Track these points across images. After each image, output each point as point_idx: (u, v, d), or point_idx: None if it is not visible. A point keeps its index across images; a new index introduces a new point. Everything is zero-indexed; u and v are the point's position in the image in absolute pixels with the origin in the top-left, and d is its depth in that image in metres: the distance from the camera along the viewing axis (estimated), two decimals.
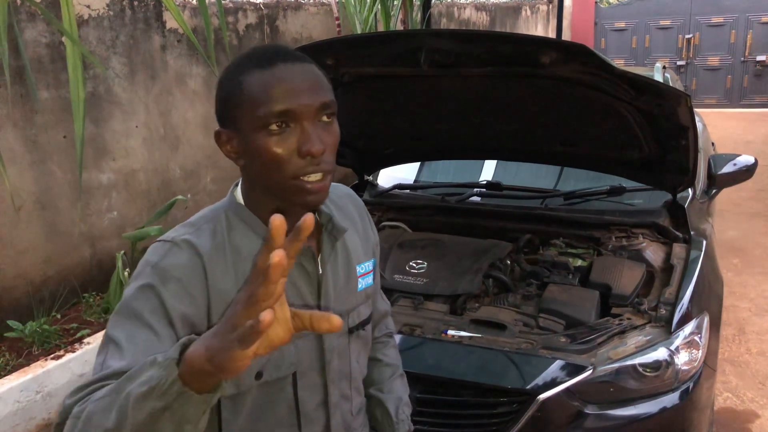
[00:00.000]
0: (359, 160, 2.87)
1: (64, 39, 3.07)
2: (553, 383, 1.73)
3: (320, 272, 1.01)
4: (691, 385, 1.81)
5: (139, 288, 0.89)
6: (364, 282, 1.10)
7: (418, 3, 5.79)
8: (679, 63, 10.89)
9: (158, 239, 0.96)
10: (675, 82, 3.92)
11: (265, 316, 0.58)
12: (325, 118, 0.90)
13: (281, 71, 0.88)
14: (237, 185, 1.01)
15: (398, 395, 1.26)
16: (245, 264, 0.95)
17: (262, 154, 0.88)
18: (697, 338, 1.87)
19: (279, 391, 0.99)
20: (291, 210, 0.93)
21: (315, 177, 0.89)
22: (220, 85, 0.93)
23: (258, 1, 4.78)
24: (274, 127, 0.87)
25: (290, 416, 1.01)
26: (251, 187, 0.98)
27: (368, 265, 1.12)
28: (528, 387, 1.73)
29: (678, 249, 2.25)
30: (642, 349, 1.80)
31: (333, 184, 1.11)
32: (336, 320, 0.65)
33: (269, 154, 0.87)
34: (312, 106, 0.88)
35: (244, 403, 0.97)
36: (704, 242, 2.28)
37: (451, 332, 1.91)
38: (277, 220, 0.60)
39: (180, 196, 3.83)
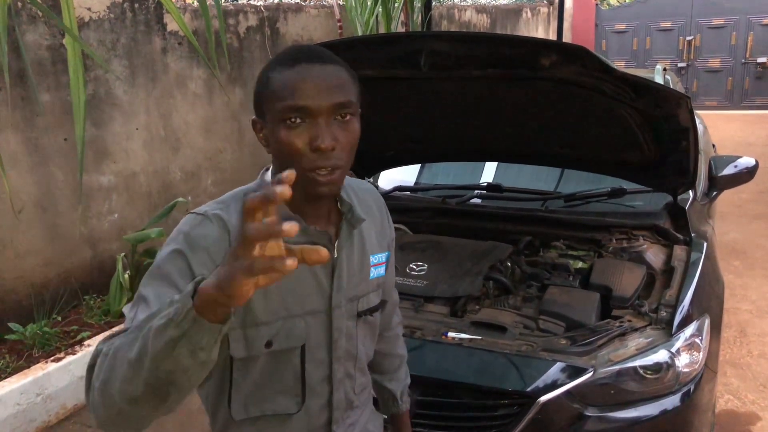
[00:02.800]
0: (360, 162, 2.87)
1: (64, 41, 3.08)
2: (554, 385, 1.73)
3: (335, 256, 1.08)
4: (692, 387, 1.81)
5: (170, 252, 0.97)
6: (376, 272, 1.17)
7: (419, 5, 5.79)
8: (680, 65, 10.90)
9: (191, 211, 1.03)
10: (676, 84, 3.92)
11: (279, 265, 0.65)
12: (341, 117, 0.97)
13: (302, 70, 0.95)
14: (268, 170, 1.09)
15: (403, 382, 1.41)
16: None
17: (280, 145, 0.96)
18: (697, 340, 1.86)
19: (287, 361, 1.06)
20: (310, 196, 1.01)
21: (325, 171, 0.96)
22: (257, 79, 1.02)
23: (259, 4, 4.79)
24: (291, 121, 0.94)
25: (295, 386, 1.08)
26: (277, 174, 1.04)
27: (381, 257, 1.19)
28: (528, 389, 1.73)
29: (679, 251, 2.25)
30: (642, 351, 1.79)
31: (357, 180, 1.23)
32: (324, 252, 0.69)
33: (285, 145, 0.95)
34: (326, 104, 0.94)
35: (254, 367, 1.05)
36: (705, 244, 2.28)
37: (451, 334, 1.91)
38: (285, 177, 0.65)
39: (180, 199, 3.83)
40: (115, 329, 0.89)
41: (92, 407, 0.84)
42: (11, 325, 3.03)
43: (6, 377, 2.70)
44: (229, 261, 0.70)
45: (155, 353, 0.75)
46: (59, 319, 3.25)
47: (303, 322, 1.06)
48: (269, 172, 1.09)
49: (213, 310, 0.73)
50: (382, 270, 1.20)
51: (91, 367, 0.86)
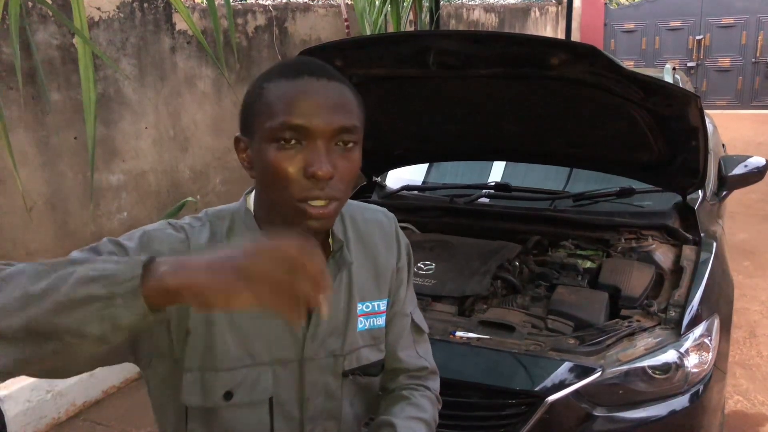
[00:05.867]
0: (368, 161, 2.86)
1: (75, 41, 3.10)
2: (562, 385, 1.72)
3: None
4: (701, 387, 1.80)
5: (118, 243, 0.86)
6: (368, 322, 1.00)
7: (428, 4, 5.79)
8: (689, 64, 10.83)
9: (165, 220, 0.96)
10: (685, 83, 3.90)
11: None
12: (343, 144, 0.85)
13: (304, 84, 0.83)
14: (252, 191, 0.98)
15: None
16: None
17: (268, 168, 0.84)
18: (707, 340, 1.86)
19: (254, 417, 0.93)
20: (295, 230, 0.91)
21: (319, 202, 0.83)
22: (247, 91, 0.90)
23: (267, 3, 4.80)
24: (285, 140, 0.82)
25: None
26: (261, 202, 0.95)
27: (380, 305, 1.01)
28: (536, 389, 1.73)
29: (688, 251, 2.24)
30: (651, 352, 1.79)
31: (373, 207, 1.08)
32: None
33: (274, 168, 0.83)
34: (328, 127, 0.82)
35: (214, 420, 0.92)
36: (714, 244, 2.27)
37: (459, 334, 1.91)
38: None
39: (190, 198, 3.85)
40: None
41: None
42: None
43: None
44: (228, 269, 0.64)
45: (65, 299, 0.64)
46: None
47: (271, 374, 0.92)
48: (252, 195, 0.96)
49: (163, 295, 0.64)
50: (381, 321, 1.01)
51: None
